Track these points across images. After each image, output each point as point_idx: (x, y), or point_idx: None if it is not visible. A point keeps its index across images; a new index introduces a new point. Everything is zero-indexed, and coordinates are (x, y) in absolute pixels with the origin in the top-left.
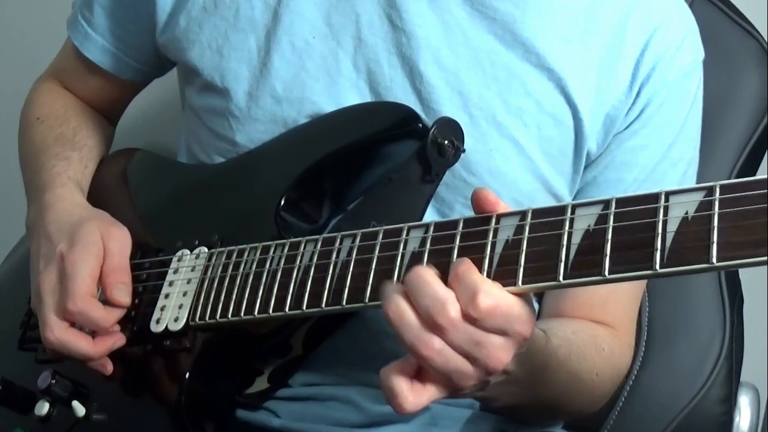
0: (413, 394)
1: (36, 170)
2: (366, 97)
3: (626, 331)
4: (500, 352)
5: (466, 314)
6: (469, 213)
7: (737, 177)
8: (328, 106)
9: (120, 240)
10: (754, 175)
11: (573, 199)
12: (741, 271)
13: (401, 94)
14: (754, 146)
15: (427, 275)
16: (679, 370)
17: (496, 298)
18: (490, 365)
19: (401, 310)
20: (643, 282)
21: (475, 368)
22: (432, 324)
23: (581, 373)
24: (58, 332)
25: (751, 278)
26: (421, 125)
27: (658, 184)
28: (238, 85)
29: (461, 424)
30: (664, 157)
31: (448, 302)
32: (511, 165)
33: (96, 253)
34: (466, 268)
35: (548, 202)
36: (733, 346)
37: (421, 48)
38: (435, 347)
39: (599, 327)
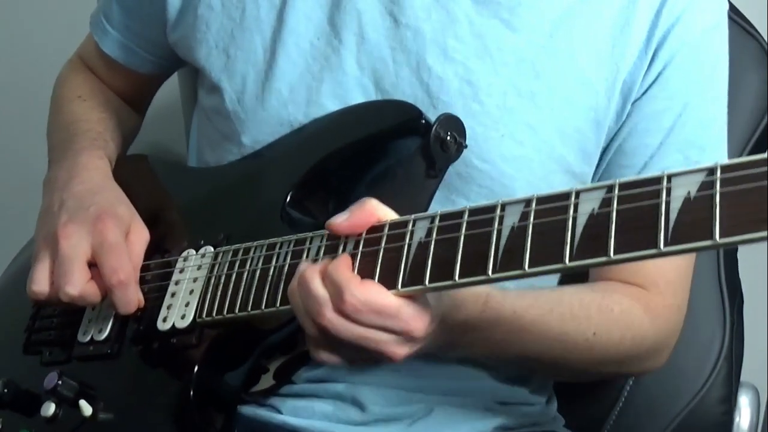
0: (321, 353)
1: (74, 134)
2: (372, 96)
3: (661, 292)
4: (391, 347)
5: (339, 311)
6: (484, 201)
7: None
8: (334, 107)
9: (142, 240)
10: None
11: (600, 172)
12: (741, 270)
13: (408, 89)
14: (754, 146)
15: (308, 275)
16: (679, 370)
17: (362, 296)
18: (385, 357)
19: (299, 315)
20: None
21: (369, 356)
22: (318, 324)
23: (567, 331)
24: (79, 287)
25: (751, 278)
26: (424, 122)
27: (689, 145)
28: (245, 87)
29: (463, 425)
30: (691, 118)
31: (323, 304)
32: (524, 149)
33: (124, 231)
34: (333, 267)
35: (566, 182)
36: (733, 346)
37: (428, 42)
38: (331, 356)
39: (620, 288)
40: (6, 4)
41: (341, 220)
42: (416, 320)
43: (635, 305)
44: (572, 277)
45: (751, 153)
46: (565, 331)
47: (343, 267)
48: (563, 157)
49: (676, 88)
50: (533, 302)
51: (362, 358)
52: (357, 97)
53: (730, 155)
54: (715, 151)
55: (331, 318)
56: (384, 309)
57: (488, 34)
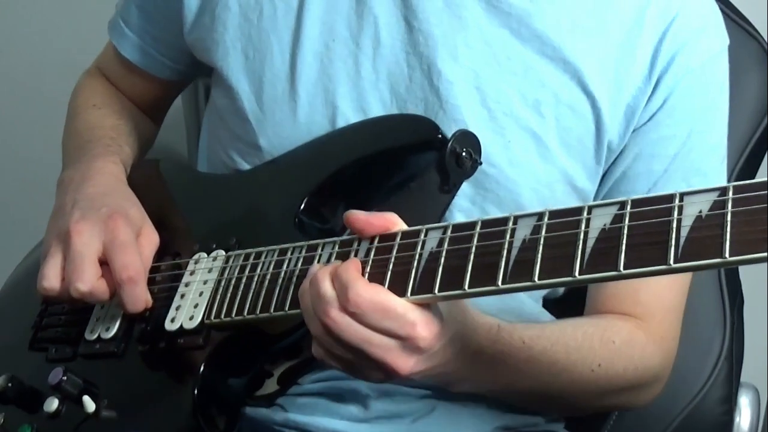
0: (323, 354)
1: (89, 140)
2: (386, 99)
3: (658, 323)
4: (395, 355)
5: (344, 310)
6: (490, 205)
7: (737, 178)
8: (350, 110)
9: (152, 243)
10: (754, 175)
11: (603, 195)
12: (741, 271)
13: (420, 92)
14: (754, 147)
15: (319, 275)
16: (679, 370)
17: (368, 295)
18: (388, 367)
19: (307, 315)
20: (685, 275)
21: (373, 366)
22: (323, 323)
23: (572, 363)
24: (90, 284)
25: (751, 278)
26: (440, 136)
27: (694, 173)
28: (262, 88)
29: (466, 424)
30: (696, 146)
31: (330, 302)
32: (529, 155)
33: (135, 232)
34: (343, 268)
35: (567, 193)
36: (733, 347)
37: (438, 46)
38: (332, 360)
39: (619, 320)
40: (14, 10)
41: (360, 213)
42: (423, 326)
43: (635, 338)
44: (563, 306)
45: (751, 153)
46: (572, 362)
47: (352, 268)
48: (565, 168)
49: (682, 116)
50: (540, 333)
51: (365, 367)
52: (373, 101)
53: (730, 155)
54: (717, 178)
55: (335, 316)
56: (389, 309)
57: (497, 43)
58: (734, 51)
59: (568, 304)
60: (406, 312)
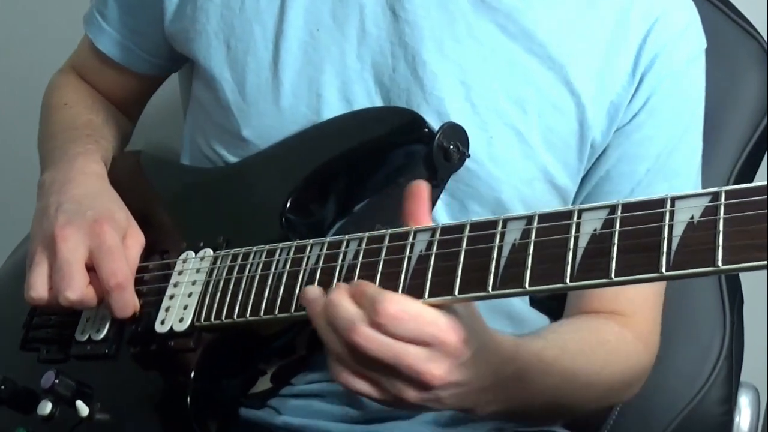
0: (348, 376)
1: (65, 142)
2: (371, 89)
3: (643, 320)
4: (428, 364)
5: (374, 324)
6: (471, 200)
7: (737, 178)
8: (334, 99)
9: (138, 245)
10: (753, 176)
11: (586, 194)
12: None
13: (403, 83)
14: (753, 147)
15: (337, 298)
16: (679, 370)
17: (399, 303)
18: (421, 378)
19: (327, 338)
20: None
21: (405, 383)
22: (351, 343)
23: (579, 369)
24: (79, 292)
25: (751, 279)
26: (427, 130)
27: (674, 174)
28: (245, 78)
29: (462, 422)
30: (677, 147)
31: (357, 319)
32: (511, 152)
33: (121, 235)
34: (364, 283)
35: (547, 191)
36: (733, 347)
37: (425, 38)
38: (356, 380)
39: (605, 319)
40: (14, 10)
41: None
42: (451, 331)
43: (625, 336)
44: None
45: (751, 153)
46: (579, 367)
47: (370, 283)
48: (546, 165)
49: (664, 116)
50: (546, 344)
51: (396, 384)
52: (357, 90)
53: (730, 156)
54: (695, 181)
55: (364, 332)
56: (419, 315)
57: (484, 38)
58: (734, 51)
59: (557, 301)
60: (438, 317)
